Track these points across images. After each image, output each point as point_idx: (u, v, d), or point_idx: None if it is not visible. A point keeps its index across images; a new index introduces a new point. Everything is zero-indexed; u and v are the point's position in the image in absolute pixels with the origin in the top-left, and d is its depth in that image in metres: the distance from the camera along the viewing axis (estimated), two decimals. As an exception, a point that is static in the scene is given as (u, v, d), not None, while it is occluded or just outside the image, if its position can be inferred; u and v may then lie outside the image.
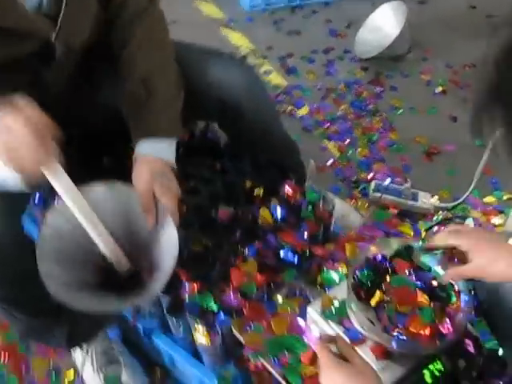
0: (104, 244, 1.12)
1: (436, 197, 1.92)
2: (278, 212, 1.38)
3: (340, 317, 1.11)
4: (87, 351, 1.49)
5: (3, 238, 1.13)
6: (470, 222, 1.82)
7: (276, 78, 2.57)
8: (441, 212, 1.89)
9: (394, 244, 1.18)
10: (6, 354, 1.57)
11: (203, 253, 1.32)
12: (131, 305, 1.18)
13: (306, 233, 1.34)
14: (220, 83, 1.36)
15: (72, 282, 1.11)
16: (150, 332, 1.35)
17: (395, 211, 1.84)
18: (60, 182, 1.03)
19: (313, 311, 1.15)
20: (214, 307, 1.22)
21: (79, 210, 1.07)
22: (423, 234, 1.72)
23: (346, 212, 1.74)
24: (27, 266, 1.08)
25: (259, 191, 1.45)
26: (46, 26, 1.13)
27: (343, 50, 2.81)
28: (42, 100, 1.01)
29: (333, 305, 1.14)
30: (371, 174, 2.01)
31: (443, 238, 1.12)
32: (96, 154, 1.51)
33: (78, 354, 1.53)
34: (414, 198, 1.90)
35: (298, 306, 1.22)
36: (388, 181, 1.94)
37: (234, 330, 1.20)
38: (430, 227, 1.80)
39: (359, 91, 2.49)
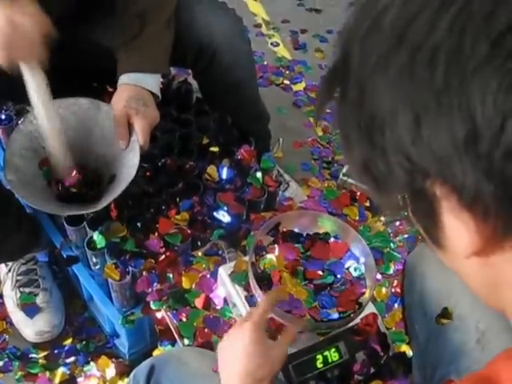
0: (53, 143, 1.18)
1: (408, 193, 1.87)
2: (224, 172, 1.37)
3: (247, 283, 1.09)
4: (10, 269, 1.51)
5: None
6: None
7: (282, 51, 2.53)
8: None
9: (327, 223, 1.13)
10: None
11: (141, 197, 1.32)
12: (74, 212, 1.22)
13: (245, 197, 1.33)
14: (202, 27, 1.35)
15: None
16: (71, 263, 1.36)
17: (366, 204, 1.80)
18: (34, 79, 1.08)
19: (224, 272, 1.14)
20: (133, 249, 1.23)
21: (45, 110, 1.13)
22: (381, 226, 1.67)
23: (298, 196, 1.72)
24: None
25: (214, 149, 1.44)
26: None
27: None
28: None
29: (245, 270, 1.12)
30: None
31: None
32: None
33: (2, 270, 1.55)
34: (385, 189, 1.86)
35: (213, 264, 1.21)
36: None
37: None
38: (392, 221, 1.76)
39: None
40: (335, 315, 1.01)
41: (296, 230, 1.12)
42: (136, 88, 1.24)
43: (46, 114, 1.14)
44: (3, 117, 1.49)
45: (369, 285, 1.04)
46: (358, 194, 1.78)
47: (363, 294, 1.03)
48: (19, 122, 1.26)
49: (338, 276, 1.05)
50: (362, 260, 1.07)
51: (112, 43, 1.29)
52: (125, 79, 1.25)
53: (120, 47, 1.27)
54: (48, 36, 1.03)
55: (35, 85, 1.09)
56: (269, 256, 1.07)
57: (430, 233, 0.48)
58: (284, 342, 0.92)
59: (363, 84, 0.44)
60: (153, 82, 1.28)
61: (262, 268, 1.06)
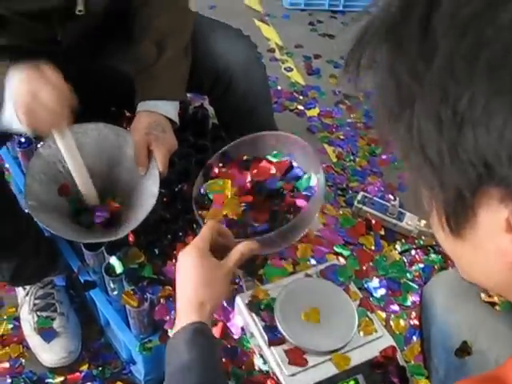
0: (83, 189, 1.23)
1: (424, 222, 1.87)
2: (241, 198, 1.37)
3: (264, 312, 1.09)
4: (27, 293, 1.52)
5: None
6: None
7: (296, 76, 2.55)
8: (424, 237, 1.84)
9: None
10: None
11: (158, 223, 1.33)
12: (93, 240, 1.23)
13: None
14: (218, 54, 1.38)
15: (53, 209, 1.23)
16: (89, 288, 1.37)
17: (381, 232, 1.80)
18: (65, 144, 1.13)
19: (241, 301, 1.13)
20: (151, 275, 1.23)
21: (76, 169, 1.18)
22: (396, 255, 1.67)
23: (314, 225, 1.72)
24: None
25: (231, 175, 1.45)
26: None
27: (372, 62, 2.76)
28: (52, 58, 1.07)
29: (262, 300, 1.12)
30: (362, 185, 1.97)
31: None
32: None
33: (20, 293, 1.56)
34: (400, 217, 1.86)
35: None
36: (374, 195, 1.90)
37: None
38: (408, 250, 1.76)
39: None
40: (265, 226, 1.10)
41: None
42: (154, 114, 1.26)
43: (75, 169, 1.18)
44: (23, 140, 1.51)
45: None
46: (374, 222, 1.79)
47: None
48: (39, 145, 1.28)
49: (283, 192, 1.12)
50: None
51: (130, 70, 1.31)
52: (143, 106, 1.27)
53: (138, 74, 1.30)
54: (71, 106, 1.06)
55: (64, 147, 1.13)
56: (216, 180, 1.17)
57: (454, 222, 0.45)
58: (229, 264, 0.96)
59: (456, 69, 0.38)
60: (171, 108, 1.30)
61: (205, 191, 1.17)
